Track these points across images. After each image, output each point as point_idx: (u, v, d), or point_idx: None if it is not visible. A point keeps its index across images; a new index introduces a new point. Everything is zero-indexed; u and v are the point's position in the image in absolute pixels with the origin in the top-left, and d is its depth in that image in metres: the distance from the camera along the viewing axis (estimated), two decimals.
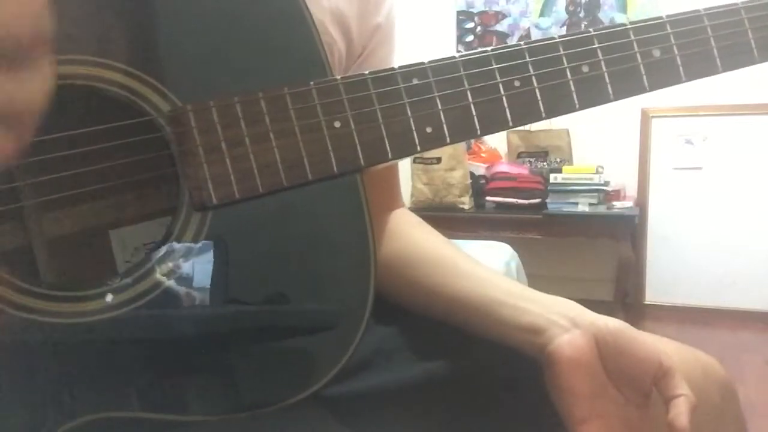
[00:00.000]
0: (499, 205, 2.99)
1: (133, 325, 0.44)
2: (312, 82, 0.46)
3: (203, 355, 0.46)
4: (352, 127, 0.47)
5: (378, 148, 0.47)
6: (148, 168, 0.46)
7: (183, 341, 0.46)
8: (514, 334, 0.54)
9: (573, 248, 3.12)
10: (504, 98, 0.49)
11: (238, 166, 0.45)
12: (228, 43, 0.47)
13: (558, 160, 3.05)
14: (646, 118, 2.99)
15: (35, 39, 0.33)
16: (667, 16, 0.51)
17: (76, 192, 0.44)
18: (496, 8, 3.22)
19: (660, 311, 3.00)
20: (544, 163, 3.07)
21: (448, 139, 0.48)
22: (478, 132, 0.49)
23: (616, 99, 0.51)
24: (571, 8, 3.10)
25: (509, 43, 0.50)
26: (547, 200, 2.89)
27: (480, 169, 3.10)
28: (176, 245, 0.45)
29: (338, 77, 0.47)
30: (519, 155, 3.13)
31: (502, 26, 3.22)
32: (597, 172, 2.87)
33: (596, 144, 3.02)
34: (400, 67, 0.48)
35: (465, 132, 0.49)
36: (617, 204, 2.86)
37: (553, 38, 0.50)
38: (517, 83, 0.49)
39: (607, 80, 0.50)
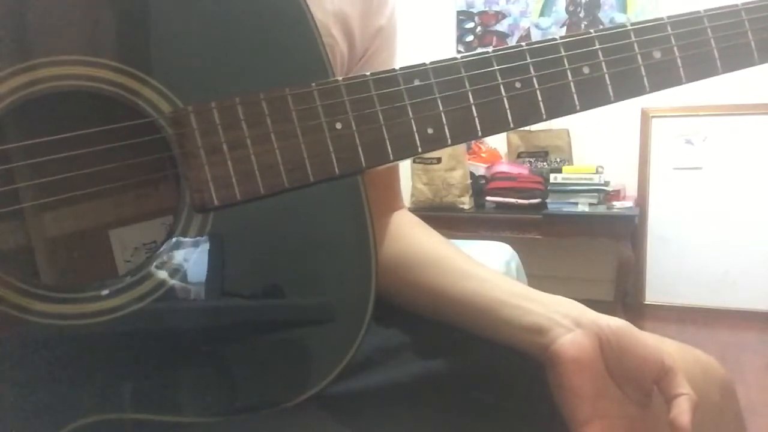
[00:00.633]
0: (499, 205, 2.99)
1: (133, 327, 0.44)
2: (313, 84, 0.46)
3: (204, 357, 0.46)
4: (354, 128, 0.47)
5: (379, 149, 0.47)
6: (149, 169, 0.46)
7: (183, 343, 0.46)
8: (517, 335, 0.54)
9: (573, 248, 3.12)
10: (505, 99, 0.49)
11: (239, 168, 0.45)
12: (229, 43, 0.47)
13: (558, 160, 3.05)
14: (646, 118, 2.98)
15: None
16: (668, 17, 0.51)
17: (76, 194, 0.44)
18: (496, 8, 3.21)
19: (660, 311, 2.99)
20: (544, 163, 3.07)
21: (449, 141, 0.48)
22: (480, 133, 0.49)
23: (616, 100, 0.51)
24: (571, 8, 3.09)
25: (509, 44, 0.50)
26: (547, 200, 2.89)
27: (480, 169, 3.10)
28: (177, 246, 0.45)
29: (340, 78, 0.47)
30: (519, 155, 3.12)
31: (502, 26, 3.22)
32: (597, 172, 2.87)
33: (596, 144, 3.02)
34: (401, 68, 0.48)
35: (466, 133, 0.49)
36: (617, 204, 2.86)
37: (554, 39, 0.50)
38: (518, 84, 0.49)
39: (608, 81, 0.50)
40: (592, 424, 0.48)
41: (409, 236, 0.66)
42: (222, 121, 0.45)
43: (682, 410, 0.47)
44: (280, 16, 0.48)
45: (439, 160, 2.98)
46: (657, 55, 0.51)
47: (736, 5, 0.53)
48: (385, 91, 0.47)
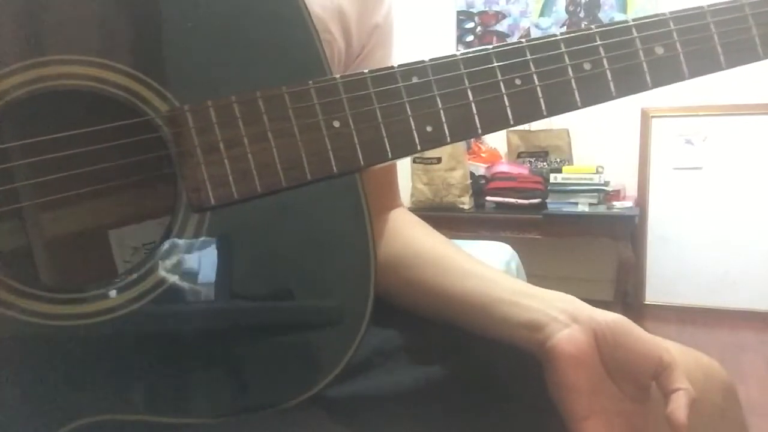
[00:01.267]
0: (499, 205, 2.99)
1: (130, 328, 0.44)
2: (311, 81, 0.46)
3: (202, 358, 0.46)
4: (352, 126, 0.46)
5: (377, 147, 0.47)
6: (147, 169, 0.46)
7: (180, 343, 0.46)
8: (514, 332, 0.53)
9: (573, 248, 3.12)
10: (505, 96, 0.49)
11: (236, 167, 0.45)
12: (226, 43, 0.47)
13: (558, 160, 3.05)
14: (646, 118, 2.98)
15: None
16: (670, 13, 0.51)
17: (74, 193, 0.44)
18: (496, 8, 3.21)
19: (660, 311, 2.99)
20: (544, 163, 3.07)
21: (448, 138, 0.48)
22: (479, 131, 0.49)
23: (618, 96, 0.50)
24: (571, 8, 3.09)
25: (508, 42, 0.49)
26: (547, 200, 2.89)
27: (480, 169, 3.10)
28: (174, 246, 0.45)
29: (337, 76, 0.47)
30: (519, 155, 3.12)
31: (502, 26, 3.22)
32: (597, 172, 2.87)
33: (596, 144, 3.02)
34: (399, 66, 0.47)
35: (466, 131, 0.49)
36: (617, 204, 2.86)
37: (555, 35, 0.49)
38: (518, 81, 0.49)
39: (610, 78, 0.50)
40: (589, 420, 0.48)
41: (408, 235, 0.66)
42: (218, 120, 0.44)
43: (679, 405, 0.46)
44: (277, 14, 0.48)
45: (439, 160, 2.98)
46: (659, 50, 0.51)
47: None
48: (383, 88, 0.47)
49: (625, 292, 2.94)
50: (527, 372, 0.55)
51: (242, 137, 0.45)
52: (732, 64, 0.52)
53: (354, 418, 0.54)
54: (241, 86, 0.46)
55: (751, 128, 2.85)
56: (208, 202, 0.44)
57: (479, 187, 3.07)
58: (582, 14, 3.08)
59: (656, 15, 0.51)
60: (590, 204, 2.83)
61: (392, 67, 0.47)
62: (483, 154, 3.16)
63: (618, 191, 2.93)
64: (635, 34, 0.50)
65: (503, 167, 3.08)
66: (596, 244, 3.05)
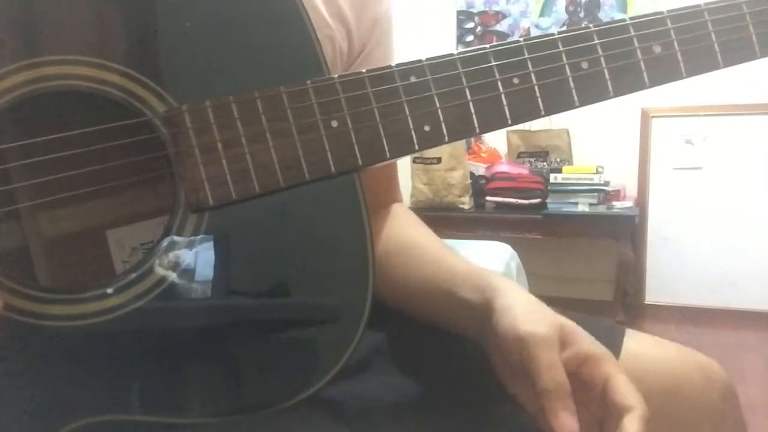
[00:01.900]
0: (499, 205, 2.99)
1: (132, 328, 0.44)
2: (309, 81, 0.46)
3: (202, 358, 0.46)
4: (350, 126, 0.46)
5: (376, 147, 0.47)
6: (145, 169, 0.46)
7: (181, 344, 0.46)
8: (456, 313, 0.54)
9: (573, 248, 3.11)
10: (503, 96, 0.49)
11: (234, 167, 0.45)
12: (223, 43, 0.47)
13: (558, 160, 3.05)
14: (646, 118, 2.98)
15: None
16: (668, 11, 0.51)
17: (72, 194, 0.44)
18: (496, 8, 3.21)
19: (660, 311, 2.99)
20: (544, 163, 3.06)
21: (446, 138, 0.48)
22: (477, 130, 0.49)
23: (616, 95, 0.50)
24: (571, 8, 3.09)
25: (505, 41, 0.49)
26: (547, 200, 2.89)
27: (480, 169, 3.10)
28: (173, 246, 0.45)
29: (335, 76, 0.47)
30: (519, 155, 3.12)
31: (502, 26, 3.21)
32: (597, 172, 2.86)
33: (596, 144, 3.02)
34: (397, 65, 0.47)
35: (464, 130, 0.49)
36: (617, 204, 2.85)
37: (552, 35, 0.49)
38: (515, 80, 0.49)
39: (607, 76, 0.50)
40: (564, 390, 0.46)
41: (389, 229, 0.66)
42: (216, 120, 0.44)
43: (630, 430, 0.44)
44: (274, 13, 0.48)
45: (439, 160, 2.98)
46: (657, 49, 0.51)
47: None
48: (381, 88, 0.47)
49: (625, 292, 2.94)
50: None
51: (240, 137, 0.45)
52: (729, 62, 0.52)
53: (352, 418, 0.54)
54: (239, 86, 0.46)
55: (751, 128, 2.85)
56: (206, 202, 0.44)
57: (479, 187, 3.06)
58: (582, 14, 3.08)
59: (654, 14, 0.51)
60: (590, 204, 2.83)
61: (390, 67, 0.47)
62: (483, 154, 3.16)
63: (618, 191, 2.92)
64: (633, 32, 0.50)
65: (503, 167, 3.07)
66: (596, 244, 3.04)
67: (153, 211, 0.50)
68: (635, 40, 0.50)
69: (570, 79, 0.49)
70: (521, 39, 0.49)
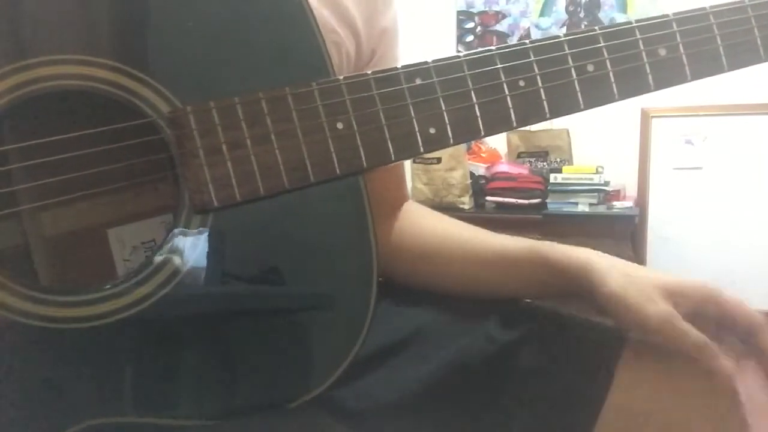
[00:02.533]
0: (499, 205, 2.98)
1: (136, 330, 0.44)
2: (314, 83, 0.46)
3: (206, 359, 0.46)
4: (355, 128, 0.46)
5: (381, 149, 0.47)
6: (148, 170, 0.46)
7: (185, 346, 0.46)
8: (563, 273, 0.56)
9: None
10: (508, 98, 0.49)
11: (239, 169, 0.44)
12: (229, 43, 0.47)
13: (558, 160, 3.05)
14: (646, 118, 2.98)
15: None
16: (673, 14, 0.51)
17: (75, 196, 0.44)
18: (496, 8, 3.21)
19: None
20: (544, 163, 3.06)
21: (451, 140, 0.48)
22: (482, 133, 0.49)
23: (621, 98, 0.50)
24: (571, 8, 3.09)
25: (511, 43, 0.49)
26: (547, 200, 2.88)
27: (480, 169, 3.09)
28: (177, 247, 0.45)
29: (341, 78, 0.47)
30: (519, 155, 3.12)
31: (502, 26, 3.21)
32: (597, 172, 2.86)
33: (596, 144, 3.01)
34: (402, 67, 0.47)
35: (469, 133, 0.49)
36: (617, 204, 2.85)
37: (558, 37, 0.49)
38: (521, 83, 0.49)
39: (612, 80, 0.50)
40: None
41: (429, 225, 0.68)
42: (221, 122, 0.44)
43: None
44: (281, 15, 0.48)
45: (439, 160, 2.98)
46: (662, 52, 0.51)
47: (743, 1, 0.52)
48: (386, 90, 0.47)
49: None
50: (529, 371, 0.56)
51: (245, 139, 0.45)
52: (734, 66, 0.52)
53: (353, 418, 0.54)
54: (244, 87, 0.46)
55: (751, 128, 2.85)
56: (211, 203, 0.44)
57: (479, 187, 3.06)
58: (582, 14, 3.08)
59: (659, 17, 0.51)
60: (590, 204, 2.83)
61: (395, 69, 0.47)
62: (483, 154, 3.15)
63: (618, 191, 2.92)
64: (638, 35, 0.50)
65: (503, 167, 3.07)
66: (596, 244, 3.01)
67: (154, 210, 0.50)
68: (641, 42, 0.50)
69: (576, 82, 0.49)
70: (527, 41, 0.49)
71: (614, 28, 0.50)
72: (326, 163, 0.46)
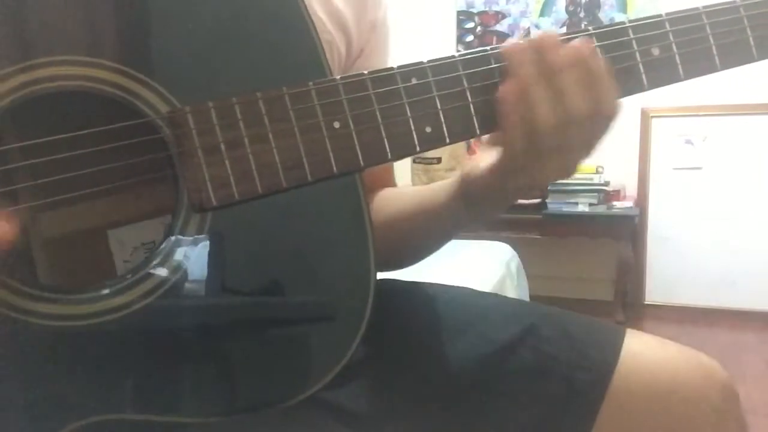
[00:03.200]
0: None
1: (134, 328, 0.44)
2: (311, 83, 0.46)
3: (203, 357, 0.46)
4: (352, 127, 0.46)
5: (377, 148, 0.47)
6: (147, 169, 0.46)
7: (182, 343, 0.46)
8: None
9: (573, 248, 3.11)
10: None
11: (237, 168, 0.45)
12: (227, 43, 0.47)
13: None
14: (646, 118, 2.98)
15: None
16: (666, 14, 0.51)
17: (75, 195, 0.44)
18: (496, 8, 3.21)
19: (660, 311, 2.99)
20: None
21: (447, 139, 0.48)
22: (478, 132, 0.49)
23: None
24: (571, 8, 3.09)
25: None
26: (547, 200, 2.89)
27: None
28: (176, 246, 0.45)
29: (337, 77, 0.47)
30: None
31: (502, 26, 3.22)
32: (597, 172, 2.86)
33: None
34: (399, 67, 0.48)
35: (465, 132, 0.49)
36: (617, 204, 2.86)
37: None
38: None
39: None
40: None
41: (392, 199, 0.69)
42: (219, 121, 0.45)
43: None
44: (277, 15, 0.48)
45: (439, 160, 2.98)
46: (655, 52, 0.51)
47: (735, 2, 0.52)
48: (382, 89, 0.47)
49: (625, 292, 2.94)
50: (525, 372, 0.56)
51: (243, 138, 0.45)
52: (727, 65, 0.52)
53: (352, 418, 0.54)
54: (242, 87, 0.46)
55: (751, 128, 2.85)
56: (209, 202, 0.45)
57: None
58: (582, 14, 3.08)
59: (652, 17, 0.51)
60: (590, 204, 2.83)
61: (392, 68, 0.47)
62: None
63: (618, 191, 2.92)
64: (632, 35, 0.50)
65: None
66: (596, 244, 3.04)
67: (154, 211, 0.50)
68: (634, 42, 0.50)
69: None
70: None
71: (607, 28, 0.50)
72: (323, 162, 0.46)
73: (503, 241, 2.20)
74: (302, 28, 0.48)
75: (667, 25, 0.51)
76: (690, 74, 0.51)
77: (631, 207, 2.86)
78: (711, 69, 0.52)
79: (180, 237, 0.45)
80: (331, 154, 0.46)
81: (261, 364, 0.48)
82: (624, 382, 0.54)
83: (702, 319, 2.88)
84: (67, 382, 0.43)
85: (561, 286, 3.05)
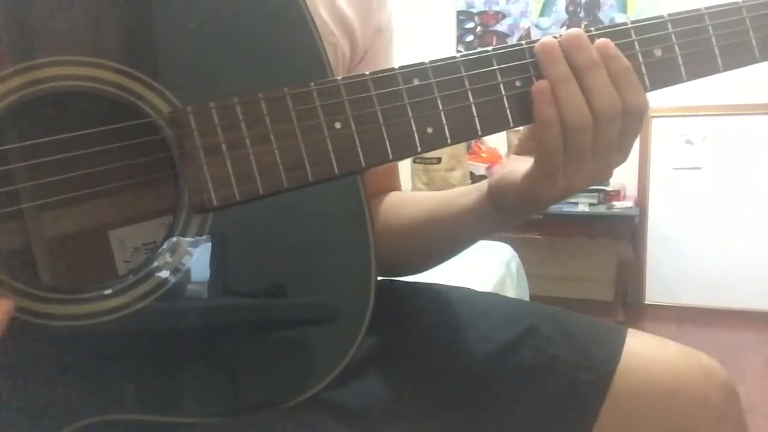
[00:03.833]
0: None
1: (135, 328, 0.44)
2: (312, 83, 0.46)
3: (204, 357, 0.46)
4: (353, 128, 0.46)
5: (379, 149, 0.47)
6: (149, 170, 0.46)
7: (183, 343, 0.46)
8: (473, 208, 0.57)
9: (573, 248, 3.11)
10: (505, 98, 0.49)
11: (238, 168, 0.45)
12: (229, 44, 0.47)
13: None
14: (646, 118, 2.98)
15: None
16: (669, 15, 0.51)
17: (76, 195, 0.44)
18: (496, 8, 3.21)
19: (660, 311, 2.99)
20: None
21: (449, 140, 0.48)
22: (479, 132, 0.49)
23: None
24: (571, 8, 3.09)
25: (510, 43, 0.49)
26: None
27: (480, 169, 3.09)
28: (177, 246, 0.45)
29: (339, 78, 0.47)
30: None
31: (502, 26, 3.21)
32: None
33: None
34: (400, 68, 0.48)
35: (466, 133, 0.49)
36: (617, 204, 2.85)
37: (554, 38, 0.49)
38: (518, 83, 0.49)
39: None
40: None
41: (392, 203, 0.69)
42: (221, 122, 0.45)
43: None
44: (280, 16, 0.48)
45: (439, 160, 2.98)
46: (658, 53, 0.51)
47: (737, 2, 0.52)
48: (384, 90, 0.47)
49: (625, 292, 2.94)
50: (526, 372, 0.56)
51: (244, 139, 0.45)
52: (729, 66, 0.52)
53: (352, 418, 0.54)
54: (243, 87, 0.46)
55: (751, 128, 2.85)
56: (210, 203, 0.45)
57: None
58: (582, 14, 3.08)
59: (655, 17, 0.51)
60: (590, 204, 2.83)
61: (393, 69, 0.47)
62: (483, 154, 3.15)
63: (618, 191, 2.92)
64: (634, 36, 0.50)
65: None
66: (596, 244, 3.04)
67: (155, 212, 0.50)
68: (636, 44, 0.50)
69: None
70: (524, 42, 0.50)
71: (610, 29, 0.50)
72: (325, 163, 0.46)
73: (503, 241, 2.20)
74: (304, 28, 0.48)
75: (670, 26, 0.51)
76: (692, 75, 0.51)
77: (631, 207, 2.85)
78: (713, 70, 0.52)
79: (180, 238, 0.45)
80: (332, 155, 0.46)
81: (261, 365, 0.48)
82: (624, 381, 0.54)
83: (702, 319, 2.88)
84: (69, 383, 0.43)
85: (561, 286, 3.05)
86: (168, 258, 0.45)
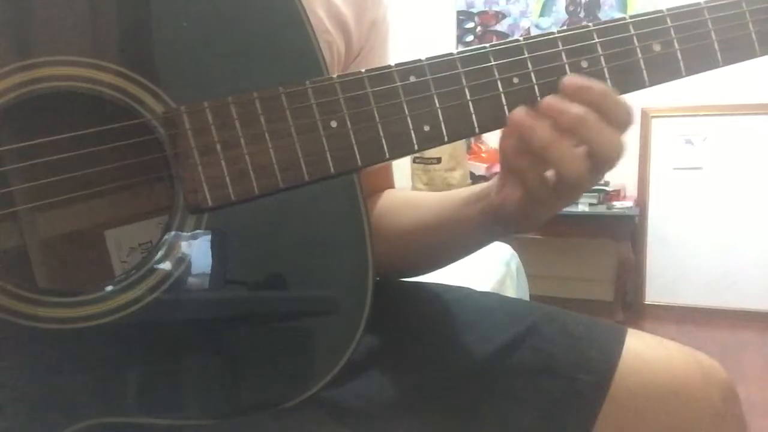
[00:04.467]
0: None
1: (133, 330, 0.44)
2: (308, 82, 0.46)
3: (203, 359, 0.46)
4: (349, 126, 0.46)
5: (375, 147, 0.47)
6: (144, 170, 0.46)
7: (181, 345, 0.46)
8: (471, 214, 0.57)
9: (573, 248, 3.11)
10: (502, 95, 0.48)
11: (233, 168, 0.44)
12: (223, 43, 0.47)
13: None
14: (646, 118, 2.98)
15: None
16: (668, 10, 0.51)
17: (71, 196, 0.44)
18: (496, 8, 3.21)
19: (660, 311, 2.99)
20: None
21: (446, 138, 0.48)
22: (477, 130, 0.49)
23: None
24: (571, 8, 3.09)
25: (505, 40, 0.49)
26: None
27: (480, 169, 3.09)
28: (172, 248, 0.45)
29: (334, 76, 0.47)
30: None
31: (502, 26, 3.21)
32: None
33: None
34: (396, 65, 0.47)
35: (463, 130, 0.48)
36: (617, 204, 2.85)
37: (552, 33, 0.49)
38: (515, 80, 0.49)
39: (607, 76, 0.49)
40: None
41: (388, 198, 0.69)
42: (215, 121, 0.44)
43: None
44: (275, 15, 0.48)
45: (439, 160, 2.98)
46: (656, 48, 0.50)
47: None
48: (380, 88, 0.47)
49: (625, 292, 2.94)
50: (526, 371, 0.56)
51: (239, 138, 0.44)
52: (729, 61, 0.51)
53: (352, 418, 0.54)
54: (238, 86, 0.45)
55: (751, 128, 2.85)
56: (205, 203, 0.44)
57: None
58: (582, 14, 3.08)
59: (653, 12, 0.50)
60: (590, 204, 2.83)
61: (389, 67, 0.47)
62: (483, 154, 3.15)
63: (618, 191, 2.92)
64: (632, 31, 0.50)
65: None
66: (596, 244, 3.04)
67: (151, 211, 0.50)
68: (635, 38, 0.50)
69: None
70: (521, 38, 0.49)
71: (608, 24, 0.50)
72: (320, 162, 0.46)
73: (503, 241, 2.20)
74: (300, 27, 0.48)
75: (669, 21, 0.50)
76: (692, 70, 0.51)
77: (631, 207, 2.85)
78: (713, 65, 0.51)
79: (176, 238, 0.45)
80: (328, 154, 0.46)
81: (259, 365, 0.47)
82: (624, 381, 0.54)
83: (702, 319, 2.88)
84: (66, 385, 0.43)
85: (561, 286, 3.05)
86: (163, 259, 0.45)
